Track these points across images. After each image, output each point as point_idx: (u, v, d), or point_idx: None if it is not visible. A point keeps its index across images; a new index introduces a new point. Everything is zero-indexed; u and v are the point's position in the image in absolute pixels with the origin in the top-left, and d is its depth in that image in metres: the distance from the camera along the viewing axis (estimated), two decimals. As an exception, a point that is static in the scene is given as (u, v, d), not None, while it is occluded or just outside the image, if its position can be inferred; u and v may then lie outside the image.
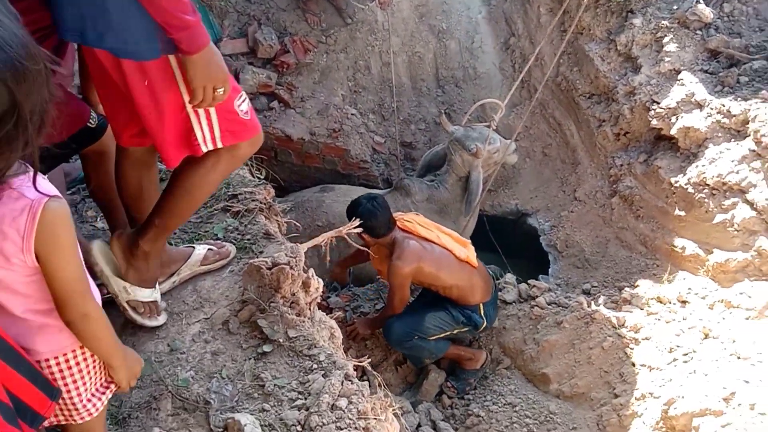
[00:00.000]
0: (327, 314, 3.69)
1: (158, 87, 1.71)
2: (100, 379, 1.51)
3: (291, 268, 2.34)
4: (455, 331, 3.82)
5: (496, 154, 4.70)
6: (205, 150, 1.87)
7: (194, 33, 1.61)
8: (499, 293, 4.22)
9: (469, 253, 3.87)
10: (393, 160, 5.48)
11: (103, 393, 1.52)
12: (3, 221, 1.20)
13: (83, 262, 1.37)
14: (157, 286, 2.26)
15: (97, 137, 2.14)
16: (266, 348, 2.22)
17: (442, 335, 3.75)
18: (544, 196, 5.17)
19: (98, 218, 2.87)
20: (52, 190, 1.25)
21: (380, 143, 5.46)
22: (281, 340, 2.23)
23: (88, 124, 2.10)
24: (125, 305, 2.15)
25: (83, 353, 1.42)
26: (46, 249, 1.23)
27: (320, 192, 4.88)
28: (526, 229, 5.17)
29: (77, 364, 1.41)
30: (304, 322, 2.32)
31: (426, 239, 3.72)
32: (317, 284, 2.54)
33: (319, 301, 2.65)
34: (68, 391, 1.42)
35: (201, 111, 1.80)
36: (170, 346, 2.24)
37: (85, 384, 1.44)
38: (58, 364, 1.39)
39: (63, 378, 1.40)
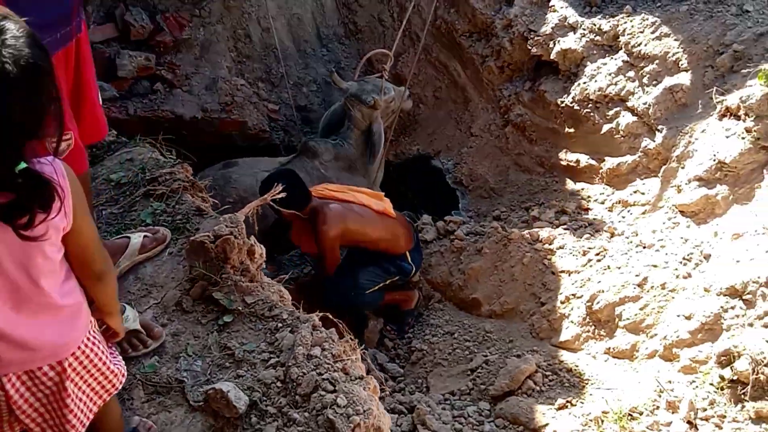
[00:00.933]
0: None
1: None
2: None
3: (234, 237, 2.35)
4: (387, 282, 3.95)
5: (392, 102, 4.82)
6: None
7: None
8: (419, 234, 4.40)
9: (385, 205, 4.01)
10: (291, 126, 5.46)
11: (112, 353, 1.55)
12: None
13: None
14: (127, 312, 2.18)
15: None
16: (227, 318, 2.25)
17: (376, 288, 3.88)
18: (443, 137, 5.37)
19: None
20: None
21: (275, 110, 5.41)
22: (240, 308, 2.26)
23: None
24: None
25: (92, 323, 1.45)
26: (75, 205, 1.25)
27: (224, 168, 4.78)
28: (431, 171, 5.37)
29: (94, 334, 1.44)
30: (257, 287, 2.36)
31: (343, 200, 3.80)
32: (261, 250, 2.57)
33: (263, 267, 2.69)
34: (104, 363, 1.44)
35: None
36: (128, 337, 2.21)
37: (103, 349, 1.47)
38: (89, 339, 1.40)
39: (96, 354, 1.41)
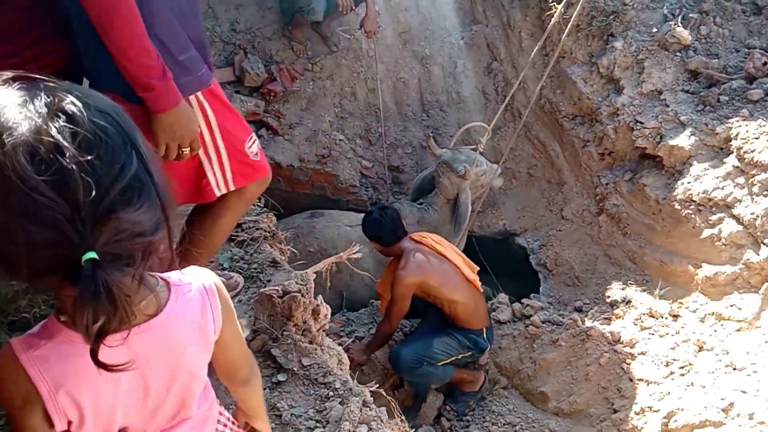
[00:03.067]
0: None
1: None
2: None
3: (302, 295, 2.36)
4: (460, 356, 3.83)
5: (483, 176, 4.78)
6: (218, 194, 1.89)
7: (159, 95, 1.59)
8: (493, 313, 4.27)
9: (475, 277, 3.94)
10: (381, 184, 5.52)
11: None
12: (196, 321, 1.11)
13: None
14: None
15: None
16: (281, 377, 2.23)
17: (448, 360, 3.76)
18: (531, 216, 5.26)
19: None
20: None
21: (368, 168, 5.51)
22: (295, 369, 2.24)
23: None
24: None
25: (227, 418, 1.36)
26: (224, 316, 1.17)
27: (310, 218, 4.89)
28: (515, 249, 5.24)
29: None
30: (316, 349, 2.34)
31: (437, 252, 3.80)
32: (326, 311, 2.56)
33: (326, 328, 2.67)
34: None
35: (213, 155, 1.82)
36: (184, 378, 2.24)
37: None
38: None
39: None
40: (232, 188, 1.90)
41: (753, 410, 2.92)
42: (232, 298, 2.53)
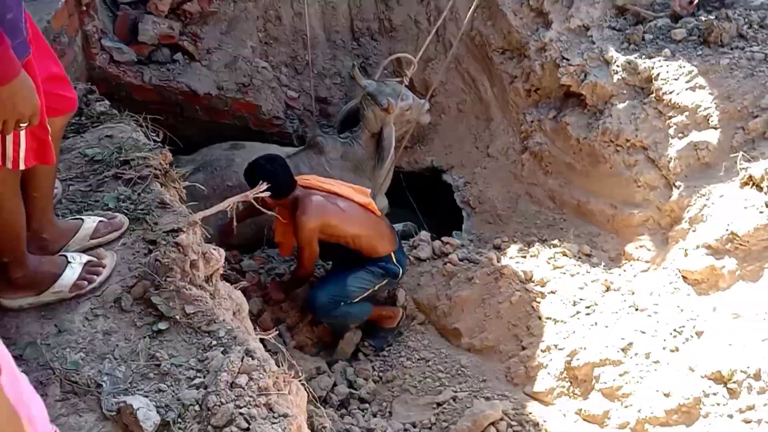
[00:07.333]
0: (241, 278, 3.63)
1: None
2: None
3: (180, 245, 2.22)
4: (377, 287, 3.81)
5: (408, 111, 4.64)
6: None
7: None
8: (414, 250, 4.25)
9: (369, 200, 3.88)
10: (308, 116, 5.32)
11: None
12: None
13: None
14: (68, 257, 2.17)
15: None
16: (161, 326, 2.12)
17: (365, 294, 3.75)
18: (459, 153, 5.18)
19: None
20: None
21: (294, 98, 5.28)
22: (178, 317, 2.13)
23: None
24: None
25: None
26: None
27: (230, 149, 4.69)
28: (441, 186, 5.19)
29: None
30: (203, 296, 2.23)
31: (328, 191, 3.72)
32: (218, 256, 2.45)
33: (223, 270, 2.56)
34: None
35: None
36: (58, 327, 2.10)
37: None
38: None
39: None
40: (22, 167, 1.71)
41: (649, 350, 3.00)
42: (116, 240, 2.39)
